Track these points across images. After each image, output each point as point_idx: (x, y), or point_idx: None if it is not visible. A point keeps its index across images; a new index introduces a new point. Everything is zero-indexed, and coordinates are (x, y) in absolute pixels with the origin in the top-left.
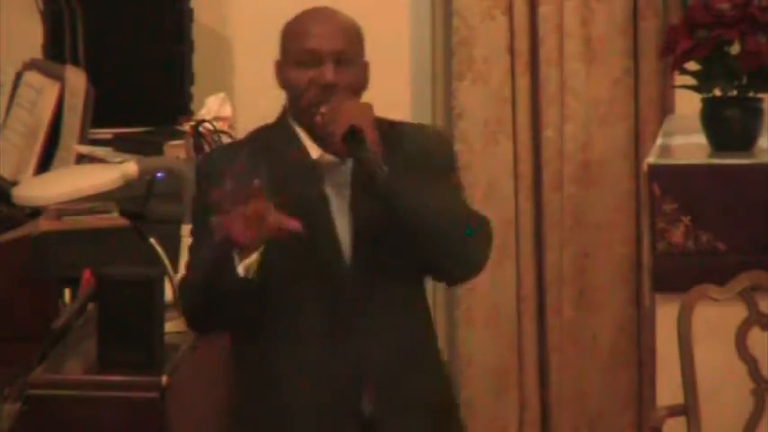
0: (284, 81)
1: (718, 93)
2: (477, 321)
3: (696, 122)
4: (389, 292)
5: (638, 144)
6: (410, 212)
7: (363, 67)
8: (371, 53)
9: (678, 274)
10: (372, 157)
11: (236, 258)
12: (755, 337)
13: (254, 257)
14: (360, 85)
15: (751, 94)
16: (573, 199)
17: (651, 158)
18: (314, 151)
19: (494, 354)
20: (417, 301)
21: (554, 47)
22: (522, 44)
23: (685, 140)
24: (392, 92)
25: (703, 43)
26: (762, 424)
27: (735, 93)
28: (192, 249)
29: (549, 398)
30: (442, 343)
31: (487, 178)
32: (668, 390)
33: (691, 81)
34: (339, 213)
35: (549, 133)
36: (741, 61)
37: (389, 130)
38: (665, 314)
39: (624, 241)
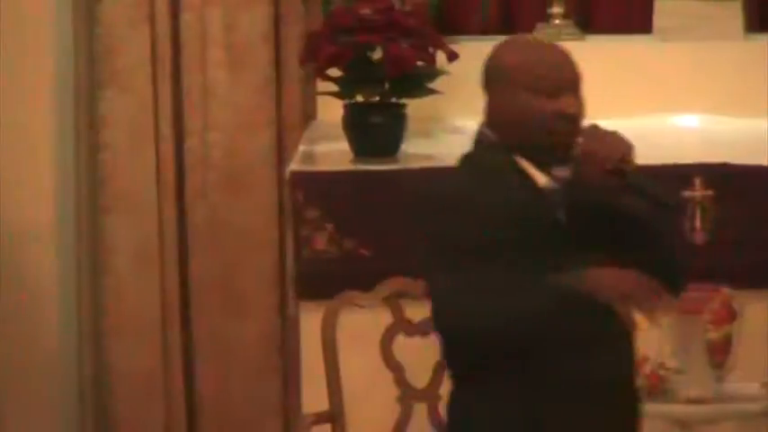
0: (517, 111)
1: (360, 99)
2: (123, 329)
3: (339, 129)
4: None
5: (281, 151)
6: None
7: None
8: (14, 61)
9: (323, 281)
10: (643, 182)
11: None
12: (401, 343)
13: None
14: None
15: (394, 100)
16: (218, 206)
17: (293, 165)
18: (539, 178)
19: (140, 361)
20: None
21: (197, 54)
22: (165, 52)
23: (328, 147)
24: (34, 99)
25: (346, 49)
26: (408, 431)
27: (378, 99)
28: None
29: (195, 405)
30: (87, 351)
31: (132, 186)
32: (314, 397)
33: (334, 87)
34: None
35: (192, 141)
36: (384, 67)
37: None
38: (310, 321)
39: (269, 249)
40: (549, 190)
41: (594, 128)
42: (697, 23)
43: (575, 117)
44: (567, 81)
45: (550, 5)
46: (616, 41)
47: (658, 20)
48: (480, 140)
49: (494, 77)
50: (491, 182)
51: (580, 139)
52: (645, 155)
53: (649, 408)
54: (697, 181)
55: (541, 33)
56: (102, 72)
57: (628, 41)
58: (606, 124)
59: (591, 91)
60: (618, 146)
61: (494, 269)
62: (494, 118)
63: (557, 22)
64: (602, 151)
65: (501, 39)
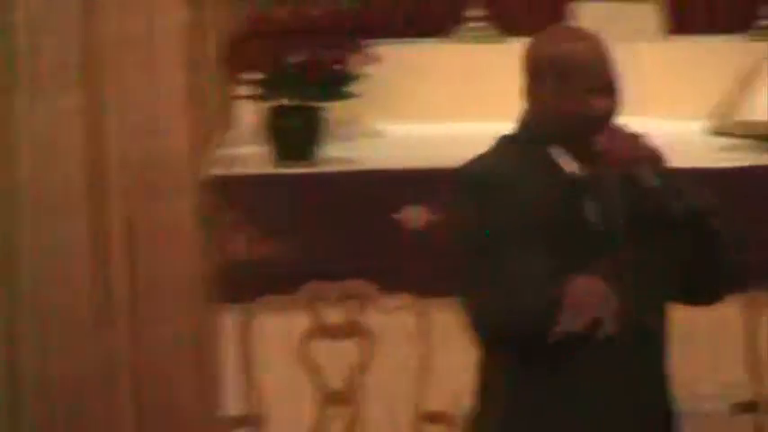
0: (548, 103)
1: (279, 102)
2: (42, 332)
3: (258, 133)
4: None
5: (200, 155)
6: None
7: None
8: None
9: (242, 285)
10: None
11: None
12: (319, 346)
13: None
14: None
15: (313, 104)
16: (136, 210)
17: (212, 169)
18: (568, 166)
19: (59, 363)
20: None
21: (114, 58)
22: (81, 56)
23: (247, 151)
24: None
25: (265, 53)
26: None
27: (297, 102)
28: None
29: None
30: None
31: (50, 189)
32: (234, 400)
33: (253, 91)
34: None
35: (110, 145)
36: (303, 71)
37: None
38: (230, 325)
39: (189, 253)
40: (576, 178)
41: (616, 128)
42: (615, 25)
43: (608, 117)
44: (604, 82)
45: (468, 7)
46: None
47: (577, 21)
48: (517, 126)
49: (539, 67)
50: (520, 166)
51: (600, 138)
52: None
53: None
54: None
55: (460, 36)
56: (18, 76)
57: None
58: None
59: (508, 92)
60: (633, 149)
61: (527, 255)
62: (530, 105)
63: (475, 24)
64: (616, 152)
65: (419, 42)
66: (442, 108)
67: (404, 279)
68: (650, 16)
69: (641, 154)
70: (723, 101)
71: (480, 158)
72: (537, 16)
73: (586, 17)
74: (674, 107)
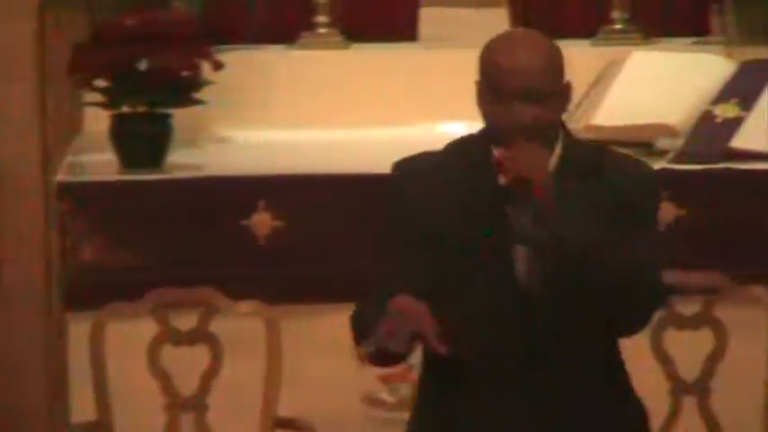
0: (481, 108)
1: (127, 109)
2: None
3: (106, 140)
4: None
5: (48, 162)
6: (579, 268)
7: (562, 97)
8: None
9: (91, 291)
10: (529, 220)
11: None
12: (168, 353)
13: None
14: (555, 120)
15: (160, 110)
16: None
17: (60, 176)
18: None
19: None
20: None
21: None
22: None
23: (95, 158)
24: None
25: (112, 60)
26: None
27: (144, 109)
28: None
29: None
30: None
31: None
32: (82, 406)
33: (101, 98)
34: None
35: None
36: (150, 77)
37: (590, 169)
38: (79, 331)
39: (38, 260)
40: (505, 189)
41: (524, 144)
42: (463, 31)
43: (522, 128)
44: (517, 89)
45: (316, 14)
46: (381, 49)
47: (424, 27)
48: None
49: (479, 68)
50: (458, 168)
51: (505, 151)
52: None
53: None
54: None
55: (307, 42)
56: None
57: (393, 49)
58: (374, 133)
59: (357, 99)
60: (526, 164)
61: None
62: (478, 103)
63: (322, 30)
64: (511, 166)
65: (267, 48)
66: (289, 115)
67: (252, 286)
68: (498, 21)
69: (532, 174)
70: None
71: (417, 156)
72: (384, 23)
73: (435, 23)
74: None
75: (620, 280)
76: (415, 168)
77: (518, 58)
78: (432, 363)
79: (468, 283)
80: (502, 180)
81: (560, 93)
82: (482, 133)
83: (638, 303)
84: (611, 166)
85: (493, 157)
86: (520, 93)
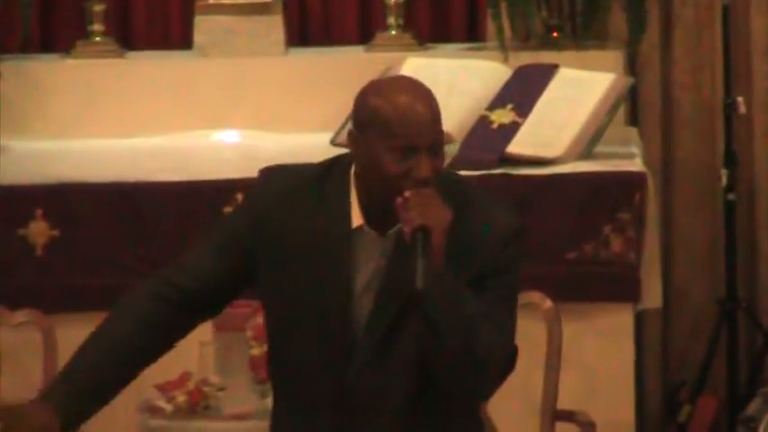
0: (366, 157)
1: None
2: None
3: None
4: (393, 382)
5: None
6: (431, 325)
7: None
8: None
9: None
10: (426, 266)
11: None
12: None
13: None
14: (441, 167)
15: None
16: None
17: None
18: (356, 219)
19: None
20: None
21: None
22: None
23: None
24: None
25: None
26: None
27: None
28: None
29: None
30: None
31: None
32: None
33: None
34: (364, 287)
35: None
36: None
37: (455, 206)
38: None
39: None
40: (364, 234)
41: (429, 193)
42: (238, 39)
43: (425, 180)
44: (424, 141)
45: (91, 23)
46: (155, 58)
47: (198, 36)
48: (340, 159)
49: (361, 117)
50: (318, 204)
51: (407, 194)
52: (186, 170)
53: (191, 425)
54: (238, 196)
55: (82, 51)
56: None
57: (167, 57)
58: (150, 141)
59: (132, 107)
60: (432, 214)
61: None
62: (354, 152)
63: (97, 39)
64: (417, 213)
65: (43, 58)
66: (65, 124)
67: (30, 294)
68: (274, 29)
69: (435, 223)
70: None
71: (284, 170)
72: (158, 31)
73: (208, 32)
74: (295, 120)
75: (452, 343)
76: (276, 183)
77: (423, 112)
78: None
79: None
80: (405, 227)
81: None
82: (346, 166)
83: (479, 378)
84: (471, 210)
85: (397, 201)
86: (427, 147)
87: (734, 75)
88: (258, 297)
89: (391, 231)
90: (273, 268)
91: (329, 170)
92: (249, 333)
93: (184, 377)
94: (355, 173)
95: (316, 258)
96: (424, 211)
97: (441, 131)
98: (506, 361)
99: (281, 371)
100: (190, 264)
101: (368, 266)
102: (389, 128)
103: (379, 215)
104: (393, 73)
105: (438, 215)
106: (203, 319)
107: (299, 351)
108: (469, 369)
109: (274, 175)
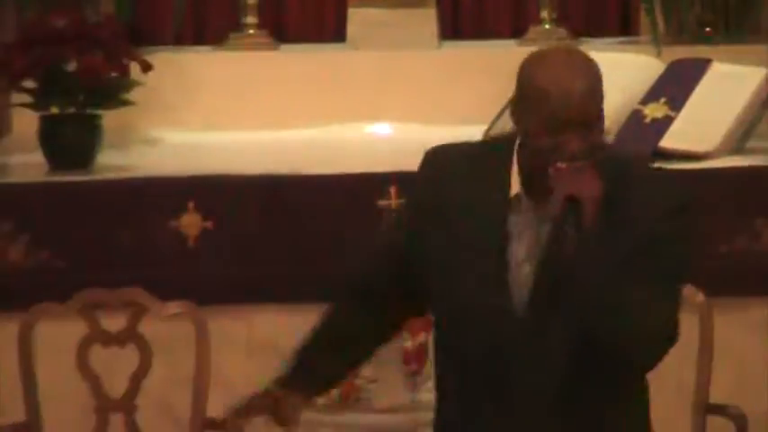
0: (523, 126)
1: (55, 110)
2: None
3: (35, 141)
4: (552, 360)
5: None
6: (583, 296)
7: (603, 113)
8: None
9: (18, 293)
10: (576, 235)
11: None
12: (97, 354)
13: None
14: (602, 138)
15: (89, 112)
16: None
17: None
18: (515, 187)
19: None
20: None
21: None
22: None
23: (23, 159)
24: None
25: (39, 61)
26: None
27: (72, 110)
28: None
29: None
30: None
31: None
32: (10, 407)
33: (28, 99)
34: (520, 257)
35: None
36: (78, 78)
37: (619, 187)
38: (6, 332)
39: None
40: (521, 203)
41: (583, 165)
42: (391, 32)
43: (573, 155)
44: (575, 116)
45: (244, 15)
46: (309, 50)
47: (351, 28)
48: (507, 135)
49: (520, 87)
50: (481, 174)
51: (561, 164)
52: (338, 164)
53: (343, 418)
54: (392, 190)
55: (235, 43)
56: None
57: (320, 50)
58: (302, 134)
59: (285, 100)
60: (582, 185)
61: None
62: (514, 121)
63: (250, 32)
64: (568, 183)
65: (195, 50)
66: (217, 116)
67: (182, 286)
68: (427, 22)
69: (586, 196)
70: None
71: (448, 147)
72: (311, 24)
73: (361, 24)
74: (448, 113)
75: (611, 317)
76: (441, 154)
77: (575, 88)
78: (442, 363)
79: (457, 281)
80: (556, 197)
81: (602, 111)
82: (511, 140)
83: (643, 353)
84: (638, 185)
85: (550, 172)
86: (576, 123)
87: None
88: (425, 280)
89: (550, 201)
90: (437, 242)
91: (494, 144)
92: None
93: None
94: (519, 143)
95: (474, 226)
96: (575, 182)
97: (599, 105)
98: (668, 331)
99: (444, 349)
100: (367, 259)
101: (526, 235)
102: (541, 100)
103: (539, 186)
104: None
105: (589, 185)
106: (405, 311)
107: (459, 326)
108: (628, 337)
109: (437, 152)
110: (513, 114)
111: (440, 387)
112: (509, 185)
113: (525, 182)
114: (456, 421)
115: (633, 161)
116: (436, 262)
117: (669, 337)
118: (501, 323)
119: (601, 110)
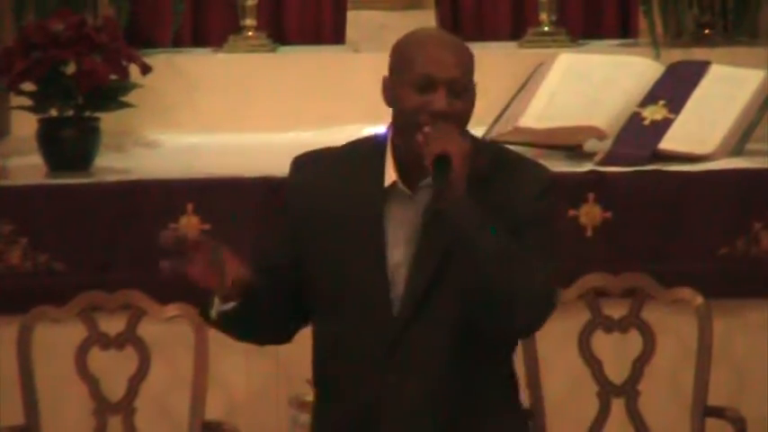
0: (393, 99)
1: (54, 113)
2: None
3: (34, 143)
4: (436, 340)
5: None
6: (465, 250)
7: (473, 94)
8: None
9: (17, 296)
10: (448, 191)
11: (216, 301)
12: (96, 356)
13: (229, 306)
14: (469, 114)
15: (88, 114)
16: None
17: None
18: (389, 177)
19: None
20: (475, 356)
21: None
22: None
23: (22, 162)
24: None
25: (38, 63)
26: None
27: (71, 113)
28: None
29: None
30: None
31: None
32: (9, 410)
33: (28, 102)
34: (396, 246)
35: None
36: (77, 81)
37: (488, 166)
38: (5, 335)
39: None
40: (396, 192)
41: (447, 125)
42: (390, 34)
43: (440, 114)
44: (442, 75)
45: (243, 17)
46: (308, 52)
47: (350, 31)
48: (377, 134)
49: (392, 63)
50: (352, 171)
51: (426, 129)
52: None
53: None
54: None
55: (234, 45)
56: None
57: (319, 52)
58: (302, 136)
59: (284, 102)
60: (449, 142)
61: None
62: (386, 99)
63: (249, 33)
64: (435, 143)
65: (194, 52)
66: (216, 118)
67: (180, 289)
68: (426, 24)
69: (453, 149)
70: (499, 107)
71: (314, 153)
72: (310, 26)
73: (361, 26)
74: None
75: (489, 270)
76: (309, 160)
77: (446, 50)
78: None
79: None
80: (426, 160)
81: (473, 90)
82: (383, 136)
83: (503, 302)
84: (505, 169)
85: (421, 134)
86: (446, 82)
87: None
88: (305, 282)
89: (422, 183)
90: (315, 243)
91: (364, 141)
92: None
93: None
94: (392, 131)
95: (351, 219)
96: (443, 141)
97: (467, 77)
98: (548, 295)
99: (326, 344)
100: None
101: (404, 223)
102: (408, 61)
103: (414, 171)
104: (546, 68)
105: (457, 144)
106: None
107: (341, 318)
108: (504, 299)
109: (304, 159)
110: (385, 95)
111: (320, 386)
112: (383, 176)
113: (400, 169)
114: (338, 421)
115: (503, 148)
116: (318, 262)
117: (549, 301)
118: (383, 313)
119: (470, 83)
